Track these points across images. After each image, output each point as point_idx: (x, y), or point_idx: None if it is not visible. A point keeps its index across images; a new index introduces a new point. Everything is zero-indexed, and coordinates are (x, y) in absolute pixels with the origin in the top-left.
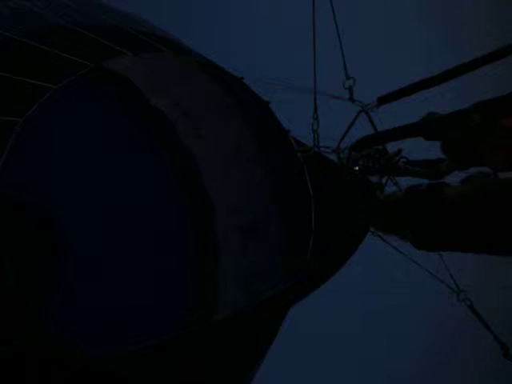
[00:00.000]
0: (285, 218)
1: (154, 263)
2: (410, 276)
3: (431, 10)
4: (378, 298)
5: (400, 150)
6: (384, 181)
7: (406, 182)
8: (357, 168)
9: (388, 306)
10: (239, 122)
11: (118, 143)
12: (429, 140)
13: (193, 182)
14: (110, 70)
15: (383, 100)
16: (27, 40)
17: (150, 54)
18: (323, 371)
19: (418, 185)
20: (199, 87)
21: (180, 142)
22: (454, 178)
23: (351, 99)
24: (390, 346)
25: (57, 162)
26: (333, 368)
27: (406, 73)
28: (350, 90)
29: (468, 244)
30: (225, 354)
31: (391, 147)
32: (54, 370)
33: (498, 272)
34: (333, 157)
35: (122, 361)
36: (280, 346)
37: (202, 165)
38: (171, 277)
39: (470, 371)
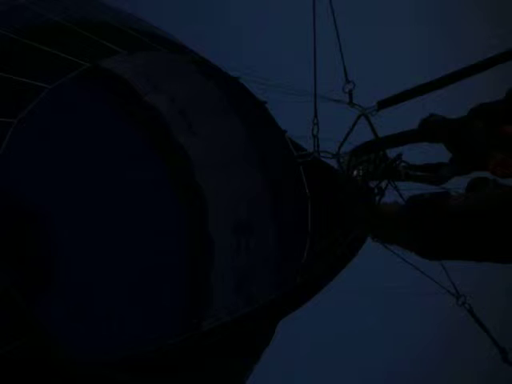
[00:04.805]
0: (280, 219)
1: (150, 265)
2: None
3: (431, 13)
4: (377, 298)
5: (400, 155)
6: (384, 186)
7: (405, 186)
8: (357, 173)
9: (388, 306)
10: (235, 120)
11: (112, 143)
12: (431, 142)
13: (188, 181)
14: (106, 69)
15: (383, 104)
16: (23, 38)
17: (146, 53)
18: (323, 371)
19: (420, 194)
20: (195, 86)
21: (175, 140)
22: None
23: (351, 103)
24: (390, 346)
25: (51, 163)
26: (333, 367)
27: (406, 76)
28: (350, 93)
29: (470, 253)
30: (220, 355)
31: (392, 151)
32: (49, 373)
33: (499, 276)
34: (333, 162)
35: (118, 364)
36: (279, 346)
37: (197, 164)
38: (166, 279)
39: (469, 371)
